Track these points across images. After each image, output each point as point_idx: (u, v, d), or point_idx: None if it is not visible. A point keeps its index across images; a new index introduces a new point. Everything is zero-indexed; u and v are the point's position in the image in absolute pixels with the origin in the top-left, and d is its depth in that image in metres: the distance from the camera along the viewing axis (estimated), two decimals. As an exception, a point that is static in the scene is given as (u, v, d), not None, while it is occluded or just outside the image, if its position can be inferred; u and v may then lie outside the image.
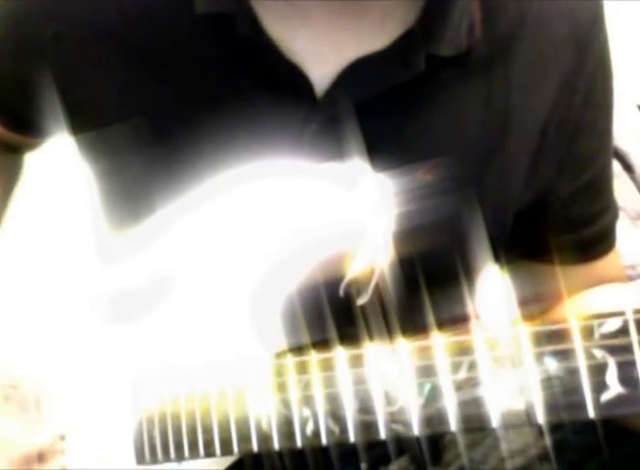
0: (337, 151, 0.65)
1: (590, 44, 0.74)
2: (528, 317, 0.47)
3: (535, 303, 0.70)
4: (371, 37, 0.68)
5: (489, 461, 0.76)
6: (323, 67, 0.68)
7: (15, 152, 0.92)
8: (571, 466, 0.69)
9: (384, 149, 0.64)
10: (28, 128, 0.82)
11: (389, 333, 0.53)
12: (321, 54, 0.68)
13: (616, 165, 1.25)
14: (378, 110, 0.68)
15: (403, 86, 0.68)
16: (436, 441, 0.77)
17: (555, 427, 0.45)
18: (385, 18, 0.68)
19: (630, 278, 1.23)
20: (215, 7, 0.67)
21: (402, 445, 0.50)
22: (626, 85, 0.88)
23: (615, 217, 0.84)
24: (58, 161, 0.92)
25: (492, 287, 0.68)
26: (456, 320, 0.55)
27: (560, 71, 0.73)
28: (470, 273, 0.67)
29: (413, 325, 0.53)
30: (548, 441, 0.46)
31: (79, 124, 0.75)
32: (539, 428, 0.45)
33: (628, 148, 1.33)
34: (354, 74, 0.68)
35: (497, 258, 0.73)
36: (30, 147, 0.92)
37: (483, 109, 0.71)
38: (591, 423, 0.43)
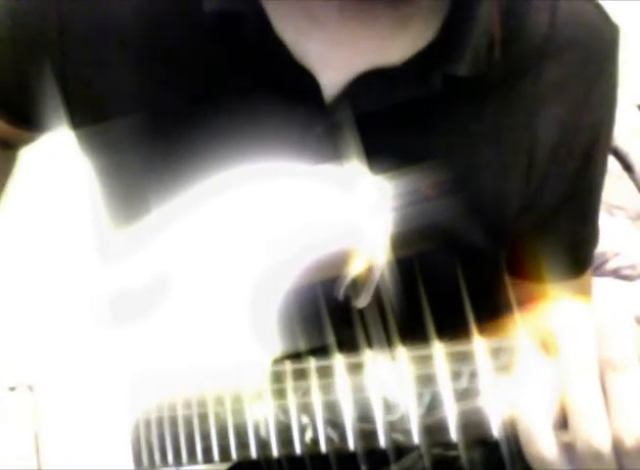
0: (339, 156, 0.65)
1: (601, 76, 0.75)
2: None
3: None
4: (386, 50, 0.67)
5: (490, 463, 0.76)
6: (334, 72, 0.68)
7: (10, 147, 0.92)
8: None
9: (387, 160, 0.64)
10: (29, 123, 0.82)
11: (388, 337, 0.53)
12: (333, 59, 0.68)
13: (616, 166, 1.25)
14: (385, 121, 0.67)
15: (415, 101, 0.67)
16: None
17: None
18: (400, 31, 0.67)
19: (630, 278, 1.23)
20: (224, 4, 0.66)
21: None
22: (626, 85, 0.87)
23: (597, 240, 0.86)
24: (58, 157, 0.92)
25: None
26: (455, 325, 0.55)
27: (569, 98, 0.73)
28: (468, 277, 0.67)
29: (412, 329, 0.53)
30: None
31: (81, 119, 0.74)
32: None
33: (628, 148, 1.32)
34: (366, 85, 0.67)
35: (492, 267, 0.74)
36: (27, 142, 0.92)
37: (494, 129, 0.72)
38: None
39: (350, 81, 0.68)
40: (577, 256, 0.84)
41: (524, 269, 0.80)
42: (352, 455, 0.52)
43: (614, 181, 0.89)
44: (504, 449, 0.46)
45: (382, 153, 0.64)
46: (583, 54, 0.73)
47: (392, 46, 0.67)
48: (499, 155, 0.72)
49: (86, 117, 0.74)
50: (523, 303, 0.74)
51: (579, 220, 0.82)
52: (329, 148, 0.66)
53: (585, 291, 0.86)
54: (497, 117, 0.72)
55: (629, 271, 1.24)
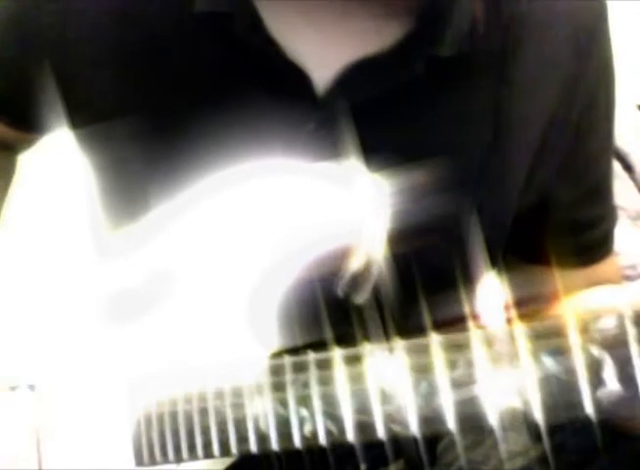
0: (334, 151, 0.65)
1: (593, 47, 0.74)
2: (524, 317, 0.47)
3: (531, 303, 0.70)
4: (372, 38, 0.67)
5: (489, 462, 0.76)
6: (324, 66, 0.68)
7: (10, 150, 0.93)
8: (571, 468, 0.69)
9: (382, 149, 0.64)
10: (29, 125, 0.82)
11: (386, 332, 0.53)
12: (322, 54, 0.68)
13: (616, 166, 1.25)
14: (377, 110, 0.68)
15: (404, 87, 0.68)
16: (434, 442, 0.77)
17: (554, 429, 0.44)
18: (385, 18, 0.68)
19: (630, 278, 1.23)
20: (214, 5, 0.67)
21: (401, 446, 0.49)
22: (626, 85, 0.87)
23: (614, 222, 0.85)
24: (56, 158, 0.92)
25: (488, 288, 0.68)
26: (453, 320, 0.55)
27: (562, 74, 0.72)
28: (467, 273, 0.67)
29: (410, 324, 0.53)
30: (547, 442, 0.46)
31: (81, 120, 0.75)
32: (537, 429, 0.45)
33: (628, 148, 1.33)
34: (355, 75, 0.67)
35: (494, 260, 0.73)
36: (26, 144, 0.92)
37: (485, 110, 0.71)
38: (590, 425, 0.43)
39: (339, 74, 0.68)
40: (581, 241, 0.82)
41: (543, 256, 0.79)
42: (352, 451, 0.53)
43: (614, 181, 0.89)
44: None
45: (376, 145, 0.64)
46: (571, 27, 0.72)
47: (377, 34, 0.68)
48: (495, 140, 0.72)
49: (85, 117, 0.74)
50: (547, 291, 0.74)
51: (585, 201, 0.80)
52: (324, 143, 0.67)
53: (610, 279, 0.84)
54: (489, 100, 0.71)
55: (629, 271, 1.24)
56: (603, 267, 0.84)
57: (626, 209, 1.26)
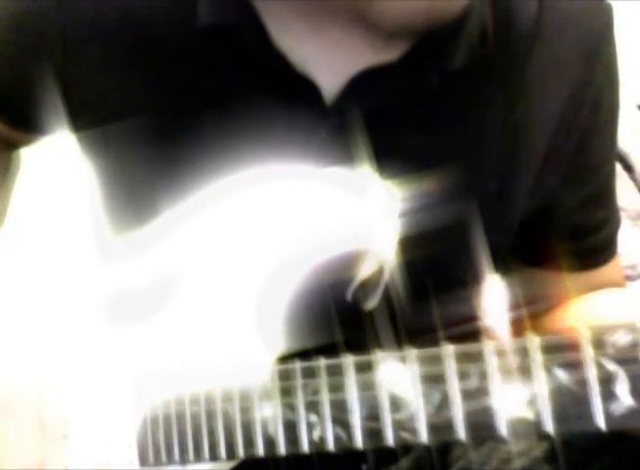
0: (345, 158, 0.65)
1: (600, 51, 0.74)
2: (528, 319, 0.47)
3: (535, 306, 0.70)
4: (382, 48, 0.67)
5: (491, 462, 0.76)
6: (333, 75, 0.68)
7: (12, 148, 0.92)
8: (575, 468, 0.69)
9: (392, 157, 0.64)
10: (31, 126, 0.82)
11: (397, 338, 0.54)
12: (331, 62, 0.68)
13: (616, 166, 1.26)
14: (389, 117, 0.68)
15: (415, 95, 0.68)
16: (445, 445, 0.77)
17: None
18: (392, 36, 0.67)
19: (630, 278, 1.23)
20: (219, 19, 0.67)
21: (409, 446, 0.50)
22: (626, 85, 0.88)
23: (618, 225, 0.85)
24: (60, 159, 0.92)
25: (494, 291, 0.68)
26: (461, 324, 0.55)
27: (569, 80, 0.73)
28: (474, 278, 0.67)
29: (420, 329, 0.53)
30: (556, 441, 0.46)
31: (83, 122, 0.75)
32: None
33: (628, 148, 1.33)
34: (364, 84, 0.68)
35: (499, 265, 0.73)
36: (28, 143, 0.92)
37: (496, 116, 0.71)
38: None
39: (348, 82, 0.68)
40: (584, 245, 0.82)
41: (547, 259, 0.80)
42: (358, 453, 0.53)
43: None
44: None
45: (388, 152, 0.64)
46: (580, 31, 0.73)
47: (385, 45, 0.68)
48: (506, 145, 0.72)
49: (88, 119, 0.74)
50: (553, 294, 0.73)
51: (590, 205, 0.80)
52: (336, 150, 0.67)
53: (614, 281, 0.84)
54: (500, 106, 0.71)
55: (629, 271, 1.24)
56: (606, 270, 0.84)
57: (626, 209, 1.27)
